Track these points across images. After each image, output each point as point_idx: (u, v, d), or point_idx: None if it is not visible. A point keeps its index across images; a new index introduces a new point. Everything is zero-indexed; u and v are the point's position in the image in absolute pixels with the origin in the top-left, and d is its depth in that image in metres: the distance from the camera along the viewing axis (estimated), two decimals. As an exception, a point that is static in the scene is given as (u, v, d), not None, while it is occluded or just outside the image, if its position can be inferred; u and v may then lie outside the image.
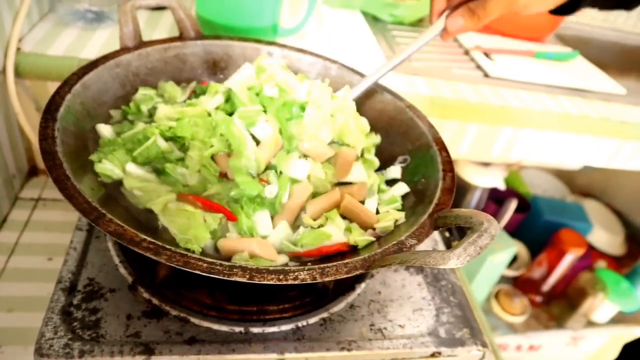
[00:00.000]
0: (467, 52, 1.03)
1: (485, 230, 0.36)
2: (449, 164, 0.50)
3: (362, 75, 0.63)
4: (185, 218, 0.43)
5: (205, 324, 0.47)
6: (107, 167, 0.46)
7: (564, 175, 1.75)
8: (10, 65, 0.66)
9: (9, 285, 0.62)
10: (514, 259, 1.44)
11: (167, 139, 0.50)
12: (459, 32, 0.54)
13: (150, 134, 0.49)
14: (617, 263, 1.52)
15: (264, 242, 0.44)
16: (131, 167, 0.47)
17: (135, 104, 0.55)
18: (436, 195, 0.46)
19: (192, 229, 0.42)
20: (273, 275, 0.35)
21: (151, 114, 0.55)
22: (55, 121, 0.44)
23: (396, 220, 0.47)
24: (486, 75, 0.94)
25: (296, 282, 0.35)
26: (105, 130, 0.50)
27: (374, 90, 0.61)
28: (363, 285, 0.54)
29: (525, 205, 1.48)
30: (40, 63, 0.70)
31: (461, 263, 0.34)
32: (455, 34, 0.55)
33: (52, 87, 0.72)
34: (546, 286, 1.41)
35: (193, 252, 0.40)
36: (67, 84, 0.49)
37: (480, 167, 1.26)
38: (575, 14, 0.57)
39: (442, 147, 0.53)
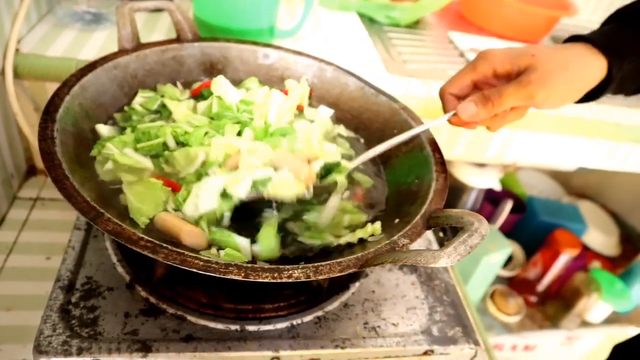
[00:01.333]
0: (462, 54, 1.04)
1: (476, 230, 0.37)
2: (442, 165, 0.51)
3: (357, 77, 0.63)
4: (145, 188, 0.45)
5: (202, 322, 0.47)
6: (107, 150, 0.48)
7: (559, 176, 1.76)
8: (9, 66, 0.67)
9: (7, 284, 0.63)
10: (510, 259, 1.45)
11: (178, 142, 0.51)
12: (471, 120, 0.50)
13: (162, 134, 0.50)
14: (611, 263, 1.53)
15: (195, 231, 0.44)
16: (128, 151, 0.49)
17: (141, 106, 0.56)
18: (429, 196, 0.47)
19: (146, 198, 0.44)
20: (268, 274, 0.36)
21: (157, 112, 0.56)
22: (55, 122, 0.45)
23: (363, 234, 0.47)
24: (481, 77, 0.95)
25: (290, 280, 0.36)
26: (104, 130, 0.51)
27: (370, 93, 0.62)
28: (357, 284, 0.55)
29: (521, 206, 1.49)
30: (38, 64, 0.70)
31: (452, 262, 0.35)
32: (466, 121, 0.51)
33: (51, 87, 0.73)
34: (541, 286, 1.42)
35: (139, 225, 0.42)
36: (66, 86, 0.50)
37: (476, 168, 1.27)
38: (599, 99, 0.53)
39: (436, 149, 0.54)
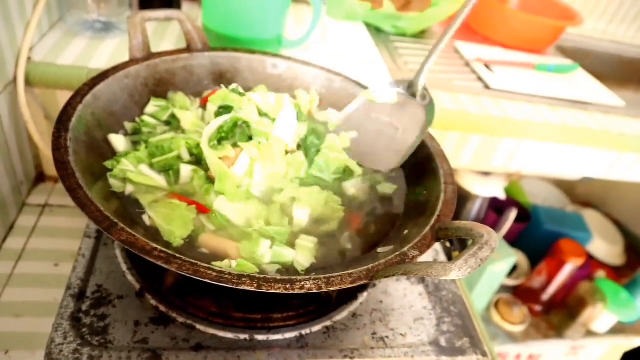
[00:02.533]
0: (468, 64, 1.04)
1: (486, 242, 0.37)
2: (450, 177, 0.52)
3: (365, 87, 0.64)
4: (170, 210, 0.45)
5: (211, 330, 0.48)
6: (123, 166, 0.48)
7: (564, 185, 1.76)
8: (21, 74, 0.68)
9: (16, 290, 0.63)
10: (514, 268, 1.45)
11: (191, 154, 0.52)
12: None
13: (176, 147, 0.51)
14: (616, 273, 1.53)
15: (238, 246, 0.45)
16: (144, 168, 0.49)
17: (151, 116, 0.57)
18: (438, 208, 0.47)
19: (175, 220, 0.44)
20: (280, 285, 0.36)
21: (168, 123, 0.57)
22: (68, 131, 0.45)
23: None
24: (487, 87, 0.96)
25: (302, 292, 0.36)
26: (117, 140, 0.52)
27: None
28: (365, 294, 0.55)
29: (526, 214, 1.49)
30: (49, 72, 0.71)
31: (462, 275, 0.35)
32: None
33: (61, 95, 0.73)
34: (546, 295, 1.42)
35: (174, 246, 0.43)
36: (79, 95, 0.50)
37: (480, 176, 1.27)
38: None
39: (444, 160, 0.54)
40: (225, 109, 0.55)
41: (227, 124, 0.52)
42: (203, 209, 0.47)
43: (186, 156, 0.51)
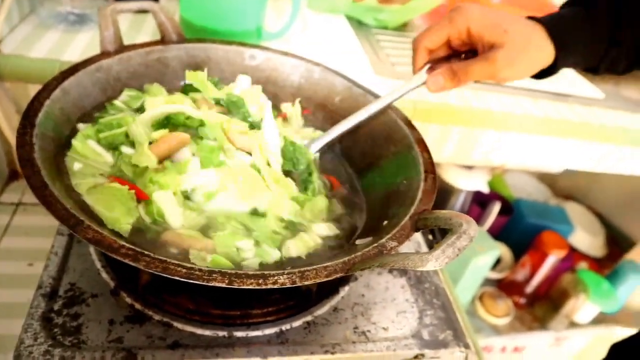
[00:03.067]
0: (450, 57, 1.04)
1: (464, 231, 0.37)
2: (430, 165, 0.51)
3: (345, 77, 0.63)
4: (109, 195, 0.44)
5: (189, 328, 0.47)
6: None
7: (546, 179, 1.78)
8: (-11, 68, 0.66)
9: (-12, 291, 0.61)
10: (498, 261, 1.46)
11: None
12: (438, 91, 0.55)
13: (124, 124, 0.49)
14: (598, 264, 1.55)
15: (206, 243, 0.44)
16: (90, 143, 0.48)
17: (123, 103, 0.55)
18: (417, 197, 0.46)
19: (116, 207, 0.43)
20: (252, 280, 0.35)
21: (137, 110, 0.55)
22: (34, 127, 0.44)
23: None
24: (469, 79, 0.96)
25: (275, 286, 0.35)
26: (84, 128, 0.50)
27: (357, 93, 0.61)
28: (347, 288, 0.54)
29: (509, 208, 1.50)
30: (21, 65, 0.69)
31: (440, 265, 0.34)
32: (435, 92, 0.55)
33: (33, 89, 0.70)
34: (529, 288, 1.43)
35: (121, 235, 0.41)
36: (46, 89, 0.48)
37: (464, 170, 1.28)
38: (553, 75, 0.57)
39: (424, 149, 0.53)
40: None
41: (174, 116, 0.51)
42: (142, 195, 0.45)
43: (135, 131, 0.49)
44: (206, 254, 0.42)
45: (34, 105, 0.46)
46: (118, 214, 0.42)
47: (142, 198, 0.45)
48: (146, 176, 0.46)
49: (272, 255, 0.45)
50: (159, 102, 0.53)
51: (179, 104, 0.52)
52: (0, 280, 0.63)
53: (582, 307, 1.36)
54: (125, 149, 0.49)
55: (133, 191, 0.44)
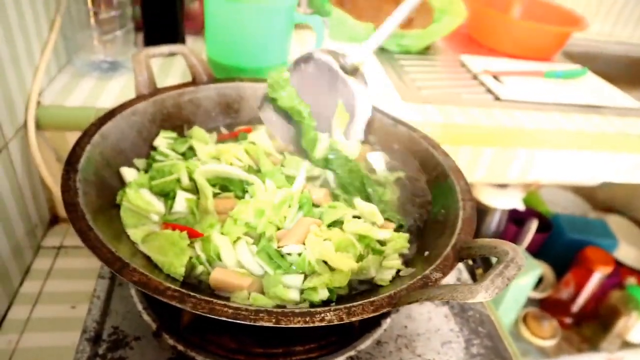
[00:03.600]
0: (475, 77, 1.03)
1: (512, 260, 0.35)
2: (468, 193, 0.50)
3: (374, 109, 0.63)
4: (162, 240, 0.44)
5: (232, 368, 0.46)
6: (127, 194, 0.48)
7: (584, 192, 1.72)
8: (31, 119, 0.68)
9: (33, 335, 0.62)
10: (540, 280, 1.41)
11: (191, 179, 0.51)
12: None
13: (176, 171, 0.50)
14: (648, 279, 1.47)
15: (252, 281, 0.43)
16: (143, 192, 0.49)
17: (169, 148, 0.57)
18: (457, 226, 0.45)
19: (169, 250, 0.43)
20: (299, 318, 0.34)
21: (183, 155, 0.57)
22: (77, 172, 0.45)
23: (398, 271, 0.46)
24: (497, 98, 0.95)
25: (323, 324, 0.34)
26: (128, 172, 0.52)
27: (388, 124, 0.61)
28: (389, 320, 0.53)
29: (547, 224, 1.45)
30: (59, 115, 0.72)
31: (490, 296, 0.33)
32: None
33: (71, 136, 0.74)
34: (575, 307, 1.37)
35: (176, 279, 0.41)
36: (87, 135, 0.50)
37: (497, 189, 1.25)
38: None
39: (460, 176, 0.52)
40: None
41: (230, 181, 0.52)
42: (195, 234, 0.45)
43: (185, 181, 0.50)
44: (251, 292, 0.42)
45: (76, 151, 0.48)
46: (172, 256, 0.42)
47: (196, 237, 0.45)
48: (204, 222, 0.47)
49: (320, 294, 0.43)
50: (211, 149, 0.55)
51: (234, 160, 0.54)
52: (45, 324, 0.64)
53: (636, 326, 1.29)
54: (180, 197, 0.49)
55: (185, 232, 0.44)
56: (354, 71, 0.56)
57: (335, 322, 0.35)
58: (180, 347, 0.47)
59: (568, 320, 1.38)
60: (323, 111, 0.56)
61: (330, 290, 0.42)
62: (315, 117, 0.56)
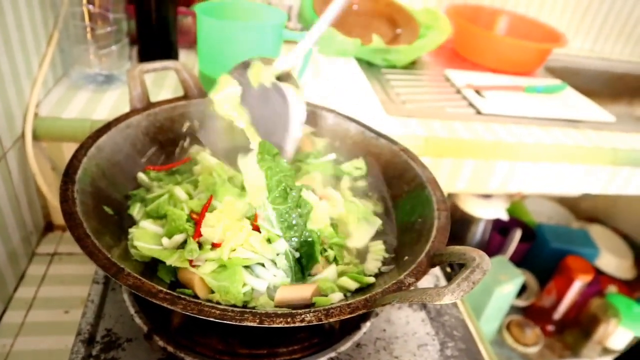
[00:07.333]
0: (459, 91, 1.07)
1: (478, 265, 0.38)
2: (443, 203, 0.53)
3: (357, 122, 0.66)
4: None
5: (219, 368, 0.49)
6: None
7: (567, 202, 1.77)
8: (28, 130, 0.71)
9: (27, 339, 0.64)
10: (523, 288, 1.44)
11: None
12: None
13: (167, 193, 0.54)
14: (627, 287, 1.51)
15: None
16: (145, 224, 0.51)
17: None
18: (432, 234, 0.48)
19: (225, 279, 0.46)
20: (281, 319, 0.37)
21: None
22: (74, 183, 0.48)
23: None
24: (478, 112, 0.99)
25: (303, 324, 0.37)
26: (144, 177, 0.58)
27: (370, 136, 0.65)
28: (368, 323, 0.55)
29: (531, 233, 1.49)
30: (55, 126, 0.74)
31: (455, 298, 0.36)
32: None
33: (67, 147, 0.76)
34: (557, 314, 1.41)
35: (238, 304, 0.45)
36: (83, 148, 0.53)
37: (481, 199, 1.29)
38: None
39: (436, 187, 0.56)
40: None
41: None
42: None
43: (181, 195, 0.54)
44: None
45: (73, 163, 0.50)
46: (227, 282, 0.46)
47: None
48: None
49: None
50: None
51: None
52: (39, 328, 0.66)
53: (615, 333, 1.33)
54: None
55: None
56: (286, 76, 0.59)
57: (315, 323, 0.37)
58: (170, 349, 0.50)
59: (550, 327, 1.42)
60: (261, 120, 0.58)
61: None
62: (255, 125, 0.58)
